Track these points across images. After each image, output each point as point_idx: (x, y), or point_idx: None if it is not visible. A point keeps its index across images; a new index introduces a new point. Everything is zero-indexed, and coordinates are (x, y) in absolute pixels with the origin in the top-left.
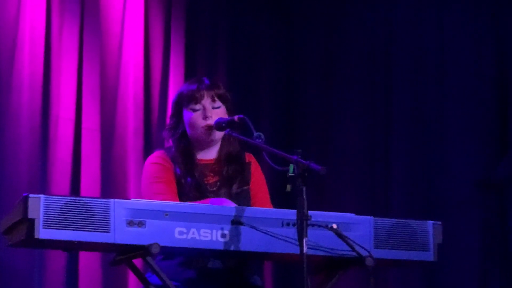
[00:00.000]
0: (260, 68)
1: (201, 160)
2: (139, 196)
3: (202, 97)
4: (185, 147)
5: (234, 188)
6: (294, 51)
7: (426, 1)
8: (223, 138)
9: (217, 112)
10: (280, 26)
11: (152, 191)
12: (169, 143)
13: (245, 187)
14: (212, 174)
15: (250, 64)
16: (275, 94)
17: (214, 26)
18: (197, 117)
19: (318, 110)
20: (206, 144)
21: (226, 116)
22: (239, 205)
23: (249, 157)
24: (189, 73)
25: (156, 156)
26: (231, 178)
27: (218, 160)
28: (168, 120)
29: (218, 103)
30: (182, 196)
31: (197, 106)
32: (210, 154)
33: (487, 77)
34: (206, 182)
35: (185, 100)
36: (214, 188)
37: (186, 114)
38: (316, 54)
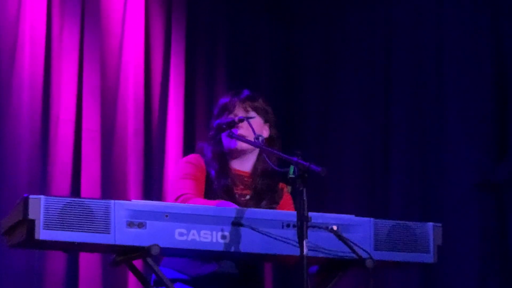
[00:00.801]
0: (259, 69)
1: (235, 170)
2: (143, 195)
3: (233, 108)
4: (221, 154)
5: (263, 204)
6: (293, 52)
7: (425, 1)
8: (259, 154)
9: (249, 122)
10: (279, 27)
11: (178, 186)
12: (207, 150)
13: (274, 206)
14: (242, 186)
15: (249, 65)
16: (274, 95)
17: (214, 27)
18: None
19: (317, 111)
20: (236, 153)
21: (263, 129)
22: None
23: (282, 186)
24: (189, 74)
25: (191, 157)
26: (262, 193)
27: (252, 174)
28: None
29: (252, 114)
30: (210, 197)
31: (230, 116)
32: (244, 166)
33: (487, 78)
34: (236, 191)
35: (221, 110)
36: (243, 199)
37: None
38: (315, 54)
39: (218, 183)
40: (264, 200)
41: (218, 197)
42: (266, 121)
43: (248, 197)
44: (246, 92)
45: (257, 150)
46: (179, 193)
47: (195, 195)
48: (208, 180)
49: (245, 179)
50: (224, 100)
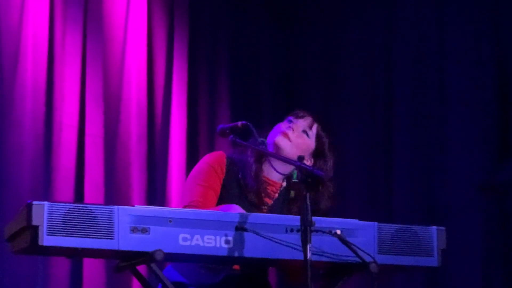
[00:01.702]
0: (261, 71)
1: (264, 176)
2: (146, 201)
3: (303, 117)
4: (259, 156)
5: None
6: (295, 54)
7: (426, 2)
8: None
9: (302, 136)
10: (280, 29)
11: (191, 190)
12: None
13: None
14: (264, 194)
15: (251, 68)
16: (276, 97)
17: (215, 31)
18: (284, 124)
19: (319, 112)
20: (276, 161)
21: (307, 147)
22: None
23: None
24: (192, 78)
25: (214, 158)
26: (282, 205)
27: (281, 190)
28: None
29: (311, 133)
30: (228, 198)
31: (293, 119)
32: (275, 176)
33: (489, 80)
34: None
35: (292, 112)
36: (265, 207)
37: (278, 124)
38: (316, 56)
39: (249, 185)
40: (284, 210)
41: (235, 199)
42: (316, 148)
43: (266, 208)
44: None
45: (288, 165)
46: (189, 199)
47: (203, 206)
48: (227, 181)
49: (272, 190)
50: (297, 109)
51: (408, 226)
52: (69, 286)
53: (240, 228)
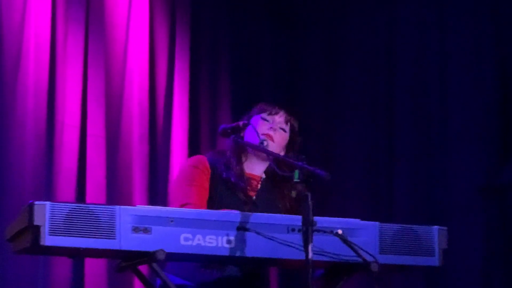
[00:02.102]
0: (263, 72)
1: (248, 173)
2: (148, 201)
3: (277, 113)
4: (239, 153)
5: (274, 201)
6: (296, 56)
7: (427, 3)
8: (274, 161)
9: (281, 133)
10: (282, 31)
11: (182, 192)
12: (228, 141)
13: (281, 207)
14: (250, 189)
15: (253, 69)
16: (277, 97)
17: (217, 32)
18: (262, 124)
19: (321, 114)
20: (254, 155)
21: (285, 142)
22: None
23: (291, 202)
24: (194, 79)
25: (195, 159)
26: (269, 197)
27: (263, 181)
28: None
29: (287, 128)
30: (218, 196)
31: (269, 118)
32: (256, 170)
33: (490, 81)
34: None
35: (261, 109)
36: (252, 199)
37: (255, 119)
38: (318, 58)
39: (229, 185)
40: (271, 202)
41: (224, 197)
42: (291, 140)
43: (254, 198)
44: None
45: (270, 158)
46: (184, 201)
47: (199, 206)
48: (213, 181)
49: (255, 183)
50: (268, 103)
51: (410, 226)
52: (70, 286)
53: (241, 228)
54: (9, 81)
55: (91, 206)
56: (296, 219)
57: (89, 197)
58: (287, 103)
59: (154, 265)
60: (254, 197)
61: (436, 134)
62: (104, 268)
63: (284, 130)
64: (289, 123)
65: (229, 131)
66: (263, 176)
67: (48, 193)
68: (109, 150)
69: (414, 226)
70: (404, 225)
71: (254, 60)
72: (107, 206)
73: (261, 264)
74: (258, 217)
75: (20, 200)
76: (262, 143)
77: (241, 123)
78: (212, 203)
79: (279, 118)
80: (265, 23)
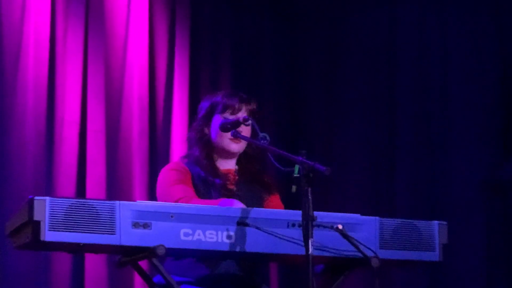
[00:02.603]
0: (264, 69)
1: (222, 170)
2: (146, 197)
3: (239, 110)
4: (209, 152)
5: (253, 187)
6: (298, 53)
7: (429, 1)
8: (244, 152)
9: (247, 128)
10: (283, 28)
11: (171, 192)
12: (191, 146)
13: (263, 192)
14: (228, 182)
15: (254, 66)
16: (278, 95)
17: (218, 28)
18: (227, 126)
19: (322, 110)
20: (227, 154)
21: (249, 134)
22: (252, 203)
23: (269, 179)
24: (194, 75)
25: (172, 164)
26: (250, 186)
27: (237, 170)
28: (194, 123)
29: (250, 120)
30: (201, 196)
31: (231, 117)
32: (230, 165)
33: (492, 78)
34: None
35: (221, 108)
36: (233, 194)
37: (217, 120)
38: (319, 55)
39: (213, 183)
40: (253, 191)
41: (209, 195)
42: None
43: (235, 190)
44: (244, 95)
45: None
46: (177, 197)
47: (194, 196)
48: (193, 183)
49: (231, 176)
50: (226, 97)
51: (410, 220)
52: (71, 281)
53: (241, 223)
54: (9, 77)
55: (91, 202)
56: (296, 214)
57: (89, 192)
58: (288, 99)
59: (154, 260)
60: (235, 190)
61: (437, 130)
62: (104, 264)
63: (248, 124)
64: (250, 112)
65: (228, 126)
66: (236, 167)
67: (48, 189)
68: (109, 146)
69: (415, 221)
70: (404, 220)
71: (255, 56)
72: (107, 202)
73: (261, 259)
74: (258, 212)
75: (20, 196)
76: (263, 138)
77: (241, 118)
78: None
79: (243, 114)
80: (266, 20)
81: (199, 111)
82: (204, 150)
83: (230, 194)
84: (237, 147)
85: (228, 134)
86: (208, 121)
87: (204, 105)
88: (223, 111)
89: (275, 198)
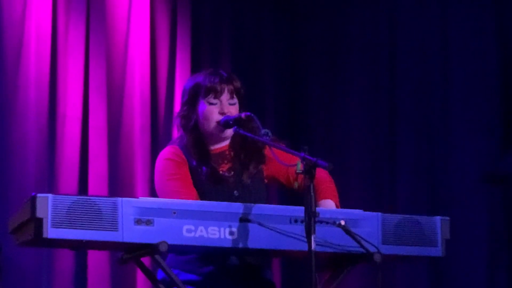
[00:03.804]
0: (264, 64)
1: (214, 149)
2: (149, 193)
3: (222, 92)
4: (197, 138)
5: (251, 168)
6: (298, 47)
7: None
8: (272, 148)
9: (234, 107)
10: (283, 22)
11: (168, 189)
12: (180, 131)
13: (260, 167)
14: (225, 161)
15: (254, 60)
16: (279, 90)
17: (218, 23)
18: (213, 111)
19: (323, 105)
20: (218, 139)
21: (238, 112)
22: (254, 186)
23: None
24: (195, 70)
25: (169, 151)
26: (247, 162)
27: (231, 146)
28: (179, 107)
29: (235, 99)
30: (199, 186)
31: (215, 100)
32: (222, 143)
33: (492, 71)
34: (221, 170)
35: (203, 91)
36: (231, 173)
37: (202, 105)
38: (320, 49)
39: (201, 171)
40: (251, 165)
41: (204, 183)
42: (241, 104)
43: (232, 172)
44: (225, 74)
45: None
46: (174, 197)
47: (190, 194)
48: (191, 169)
49: (226, 153)
50: (207, 80)
51: (412, 216)
52: (73, 278)
53: (244, 219)
54: (10, 73)
55: (94, 198)
56: (299, 210)
57: (91, 189)
58: (289, 94)
59: (157, 257)
60: (233, 167)
61: (438, 124)
62: (106, 260)
63: (233, 103)
64: (235, 92)
65: (231, 122)
66: (230, 143)
67: (51, 185)
68: (111, 142)
69: (417, 216)
70: (406, 216)
71: (256, 52)
72: (109, 198)
73: (264, 255)
74: (260, 208)
75: (23, 193)
76: (265, 134)
77: (243, 114)
78: (197, 186)
79: (225, 96)
80: (267, 15)
81: (183, 95)
82: (192, 137)
83: (227, 175)
84: (229, 131)
85: (215, 119)
86: (193, 107)
87: (187, 88)
88: (206, 95)
89: (272, 163)
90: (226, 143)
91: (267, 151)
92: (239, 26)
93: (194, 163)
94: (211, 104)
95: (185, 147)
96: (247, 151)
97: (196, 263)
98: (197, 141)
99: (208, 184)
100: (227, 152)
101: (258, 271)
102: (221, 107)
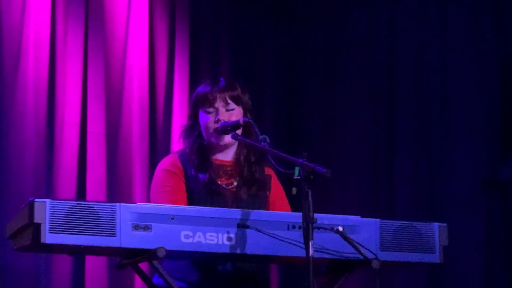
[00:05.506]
0: (263, 68)
1: (216, 160)
2: (147, 199)
3: (214, 100)
4: (200, 147)
5: (254, 189)
6: (297, 51)
7: None
8: (239, 143)
9: (231, 114)
10: (282, 26)
11: (158, 200)
12: (182, 142)
13: (263, 192)
14: (226, 176)
15: (253, 64)
16: (278, 94)
17: (217, 28)
18: (209, 120)
19: (321, 110)
20: (219, 147)
21: (241, 113)
22: (255, 207)
23: (269, 171)
24: (194, 75)
25: (166, 161)
26: (250, 180)
27: (235, 162)
28: (186, 121)
29: (233, 105)
30: (194, 194)
31: (211, 109)
32: (227, 156)
33: (491, 76)
34: (219, 181)
35: (200, 102)
36: (230, 187)
37: (201, 115)
38: (318, 53)
39: (198, 180)
40: (254, 187)
41: (201, 193)
42: (244, 110)
43: (235, 184)
44: (222, 82)
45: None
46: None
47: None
48: (187, 178)
49: (228, 168)
50: (202, 90)
51: (410, 222)
52: (71, 283)
53: (242, 225)
54: (8, 78)
55: (92, 204)
56: (297, 216)
57: (89, 194)
58: (288, 98)
59: (155, 262)
60: (236, 182)
61: (437, 129)
62: (104, 266)
63: (231, 109)
64: (231, 98)
65: (229, 128)
66: (234, 158)
67: (49, 191)
68: (109, 147)
69: (415, 222)
70: (404, 222)
71: (255, 55)
72: (107, 204)
73: (262, 261)
74: (258, 214)
75: (21, 198)
76: (263, 140)
77: (241, 120)
78: (192, 201)
79: (220, 103)
80: (266, 18)
81: (189, 105)
82: (194, 145)
83: (226, 187)
84: (227, 138)
85: (212, 127)
86: (195, 116)
87: (190, 100)
88: (202, 104)
89: (277, 190)
90: (230, 156)
91: (274, 179)
92: (237, 30)
93: (193, 171)
94: (208, 113)
95: (186, 156)
96: (250, 174)
97: (186, 270)
98: (200, 149)
99: (204, 193)
100: (228, 168)
101: (252, 278)
102: (219, 114)
